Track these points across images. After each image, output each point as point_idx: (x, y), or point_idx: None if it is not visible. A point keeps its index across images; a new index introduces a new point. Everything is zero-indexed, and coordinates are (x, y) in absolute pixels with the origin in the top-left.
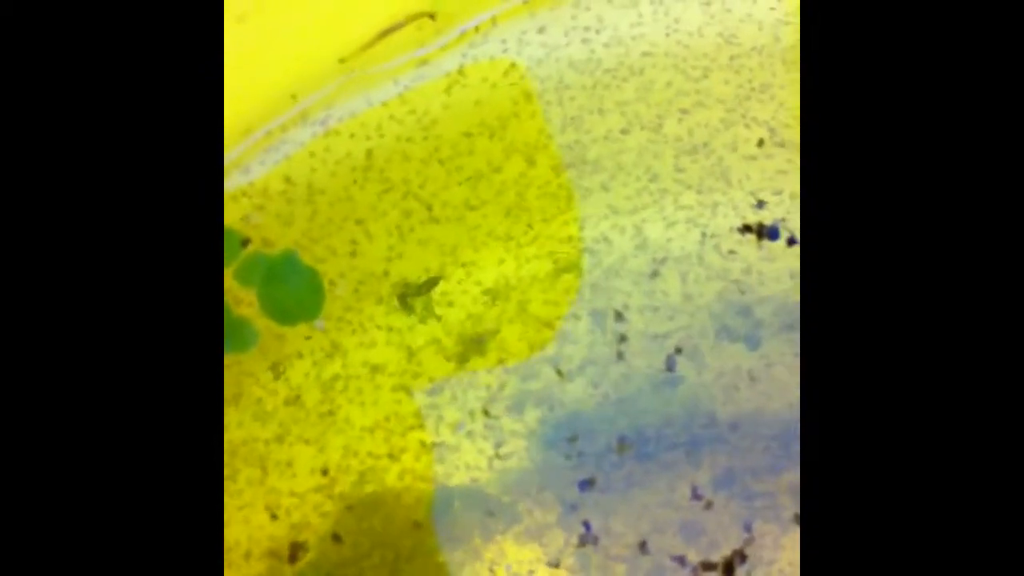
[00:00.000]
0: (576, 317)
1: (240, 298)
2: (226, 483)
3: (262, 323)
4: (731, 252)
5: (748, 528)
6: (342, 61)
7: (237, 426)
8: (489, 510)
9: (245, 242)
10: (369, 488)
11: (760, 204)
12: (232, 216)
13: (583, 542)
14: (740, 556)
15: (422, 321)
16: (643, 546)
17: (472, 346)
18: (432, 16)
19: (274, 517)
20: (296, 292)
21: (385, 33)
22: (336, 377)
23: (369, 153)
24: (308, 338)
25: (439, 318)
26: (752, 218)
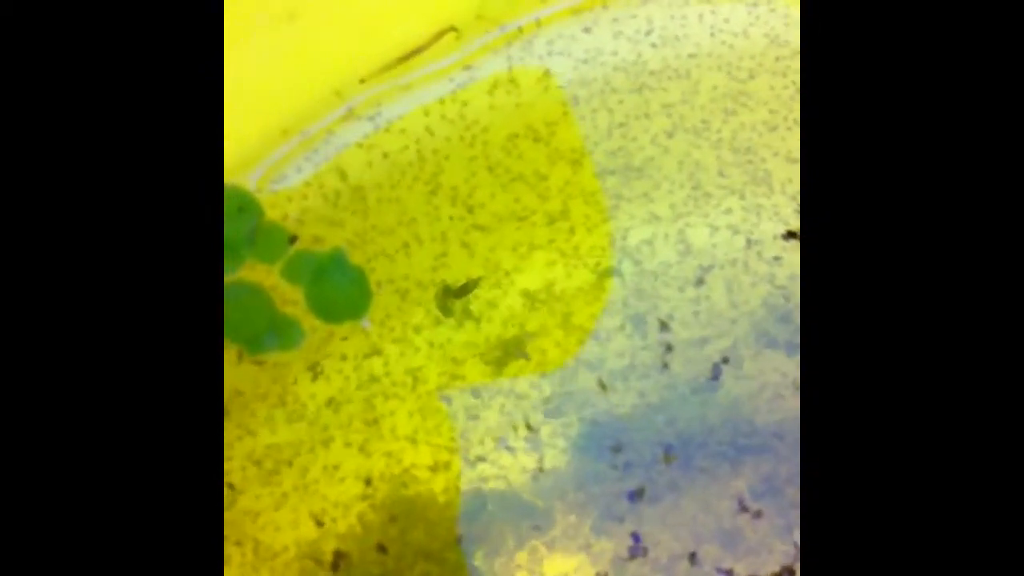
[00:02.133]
0: (620, 325)
1: (287, 297)
2: (270, 487)
3: (306, 323)
4: (776, 258)
5: (795, 541)
6: (362, 81)
7: (282, 427)
8: (535, 523)
9: (292, 239)
10: (412, 499)
11: None
12: (280, 214)
13: (632, 554)
14: (788, 572)
15: (460, 323)
16: (692, 557)
17: (512, 350)
18: (453, 29)
19: (319, 524)
20: (343, 290)
21: (408, 56)
22: (378, 382)
23: (418, 155)
24: (344, 339)
25: (477, 320)
26: (795, 224)
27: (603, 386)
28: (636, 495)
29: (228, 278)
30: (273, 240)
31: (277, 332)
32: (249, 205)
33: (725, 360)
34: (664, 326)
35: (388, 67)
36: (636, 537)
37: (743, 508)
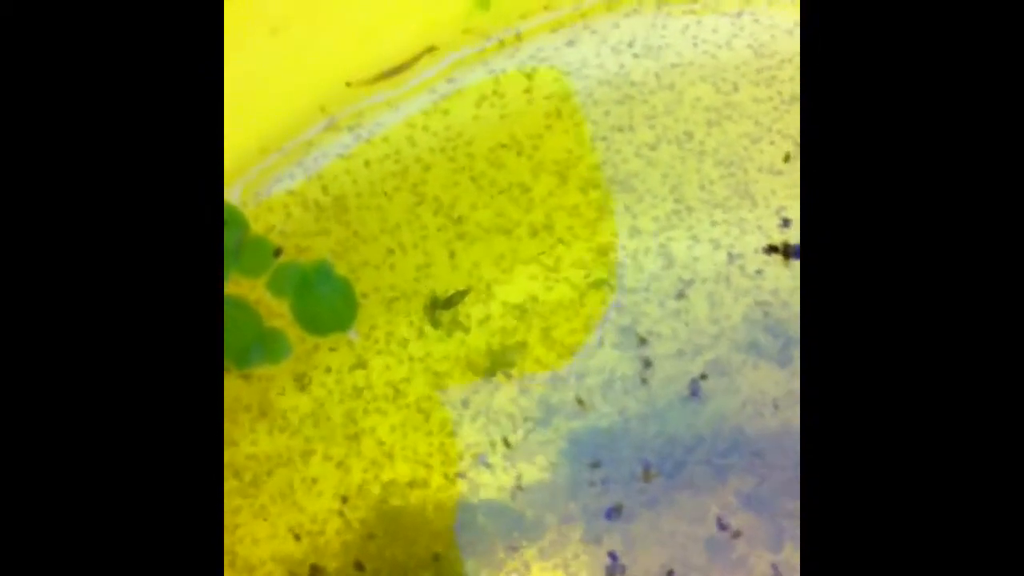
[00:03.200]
0: (601, 339)
1: (273, 310)
2: (248, 498)
3: (292, 335)
4: (757, 272)
5: (773, 562)
6: (349, 85)
7: (264, 439)
8: (511, 544)
9: (277, 252)
10: (391, 515)
11: (785, 223)
12: (265, 226)
13: (610, 572)
14: None
15: (449, 334)
16: (671, 575)
17: (500, 361)
18: (433, 49)
19: (297, 538)
20: (329, 302)
21: (391, 73)
22: (361, 395)
23: (401, 166)
24: (332, 349)
25: (467, 331)
26: (777, 238)
27: (581, 402)
28: (615, 511)
29: None
30: (258, 253)
31: (264, 346)
32: (234, 219)
33: (705, 376)
34: (644, 341)
35: (372, 81)
36: (614, 556)
37: (723, 526)
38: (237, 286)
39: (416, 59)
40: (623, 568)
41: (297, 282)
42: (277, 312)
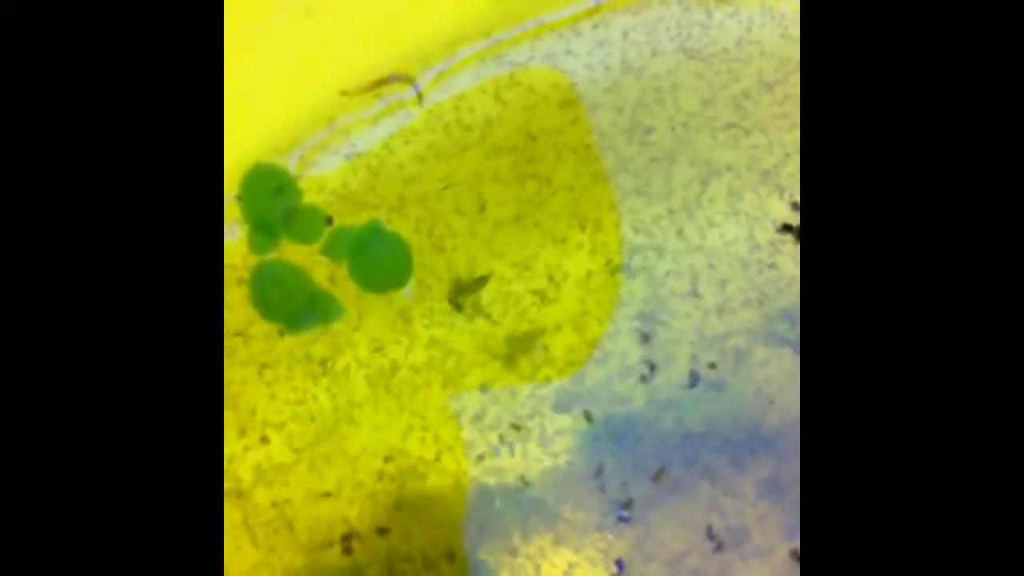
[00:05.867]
0: (620, 327)
1: (322, 272)
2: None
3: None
4: (773, 264)
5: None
6: (344, 94)
7: (289, 421)
8: (526, 529)
9: (329, 220)
10: (415, 494)
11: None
12: (315, 197)
13: (623, 562)
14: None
15: (471, 320)
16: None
17: (522, 348)
18: (406, 76)
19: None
20: (384, 261)
21: (375, 85)
22: (388, 376)
23: (428, 153)
24: (356, 329)
25: (488, 316)
26: (794, 222)
27: (600, 386)
28: (628, 502)
29: (265, 257)
30: (310, 221)
31: (316, 308)
32: (287, 186)
33: (719, 365)
34: (663, 328)
35: (358, 92)
36: (620, 564)
37: (738, 516)
38: (290, 252)
39: (387, 83)
40: (637, 558)
41: (352, 245)
42: (326, 274)
